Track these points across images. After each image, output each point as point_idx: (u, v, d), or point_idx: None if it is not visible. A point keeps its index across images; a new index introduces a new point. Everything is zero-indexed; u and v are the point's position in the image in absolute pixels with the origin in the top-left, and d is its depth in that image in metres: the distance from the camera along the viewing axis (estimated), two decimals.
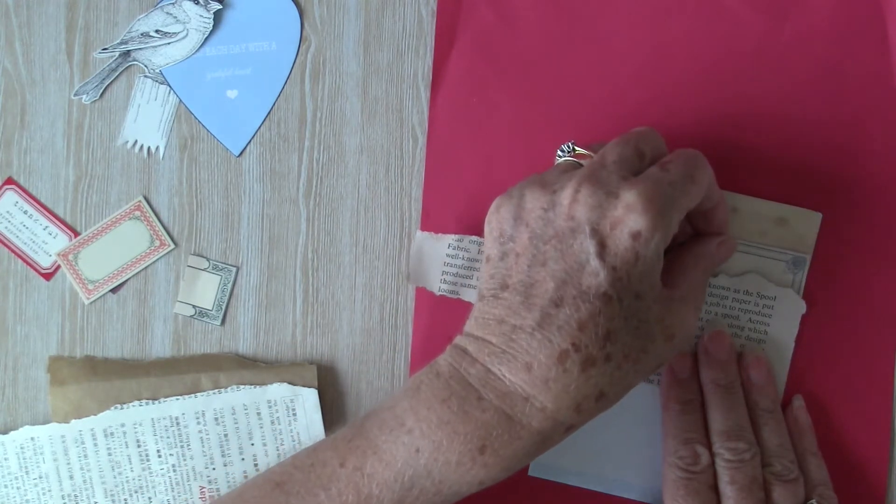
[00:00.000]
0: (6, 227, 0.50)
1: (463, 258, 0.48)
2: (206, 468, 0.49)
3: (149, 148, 0.50)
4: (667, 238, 0.39)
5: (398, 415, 0.40)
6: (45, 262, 0.50)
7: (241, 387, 0.49)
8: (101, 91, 0.50)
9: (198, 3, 0.49)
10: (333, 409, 0.50)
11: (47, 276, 0.50)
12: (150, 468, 0.49)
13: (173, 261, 0.50)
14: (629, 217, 0.38)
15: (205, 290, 0.50)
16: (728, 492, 0.43)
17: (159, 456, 0.49)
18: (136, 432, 0.49)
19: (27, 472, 0.49)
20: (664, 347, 0.40)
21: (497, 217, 0.41)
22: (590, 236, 0.38)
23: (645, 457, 0.47)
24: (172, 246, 0.50)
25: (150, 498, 0.49)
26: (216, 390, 0.49)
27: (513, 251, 0.40)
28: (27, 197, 0.50)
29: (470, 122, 0.49)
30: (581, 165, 0.42)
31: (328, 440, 0.42)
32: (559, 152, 0.44)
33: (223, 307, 0.50)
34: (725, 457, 0.44)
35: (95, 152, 0.50)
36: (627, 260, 0.38)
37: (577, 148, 0.43)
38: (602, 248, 0.38)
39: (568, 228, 0.39)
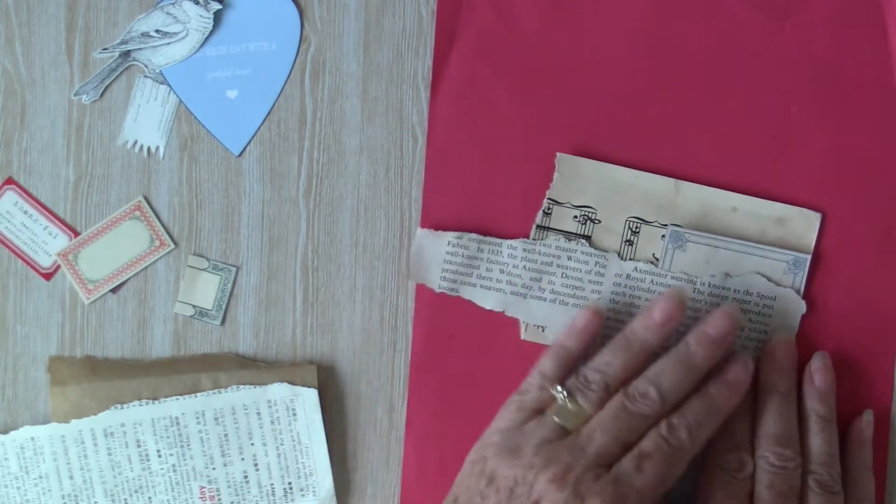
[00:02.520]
0: (6, 227, 0.50)
1: (463, 255, 0.48)
2: (206, 468, 0.49)
3: (149, 148, 0.50)
4: None
5: None
6: (45, 262, 0.50)
7: (241, 387, 0.49)
8: (101, 91, 0.50)
9: (198, 3, 0.49)
10: (333, 409, 0.50)
11: (47, 276, 0.50)
12: (150, 468, 0.49)
13: (173, 261, 0.50)
14: None
15: (205, 290, 0.50)
16: (765, 496, 0.43)
17: (159, 456, 0.49)
18: (136, 432, 0.49)
19: (27, 472, 0.49)
20: None
21: (477, 468, 0.43)
22: None
23: None
24: (172, 246, 0.50)
25: (150, 498, 0.49)
26: (216, 390, 0.49)
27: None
28: (27, 197, 0.50)
29: (470, 122, 0.49)
30: (566, 432, 0.42)
31: None
32: (557, 391, 0.44)
33: (223, 307, 0.50)
34: (770, 460, 0.44)
35: (95, 152, 0.50)
36: None
37: (569, 402, 0.43)
38: None
39: None
